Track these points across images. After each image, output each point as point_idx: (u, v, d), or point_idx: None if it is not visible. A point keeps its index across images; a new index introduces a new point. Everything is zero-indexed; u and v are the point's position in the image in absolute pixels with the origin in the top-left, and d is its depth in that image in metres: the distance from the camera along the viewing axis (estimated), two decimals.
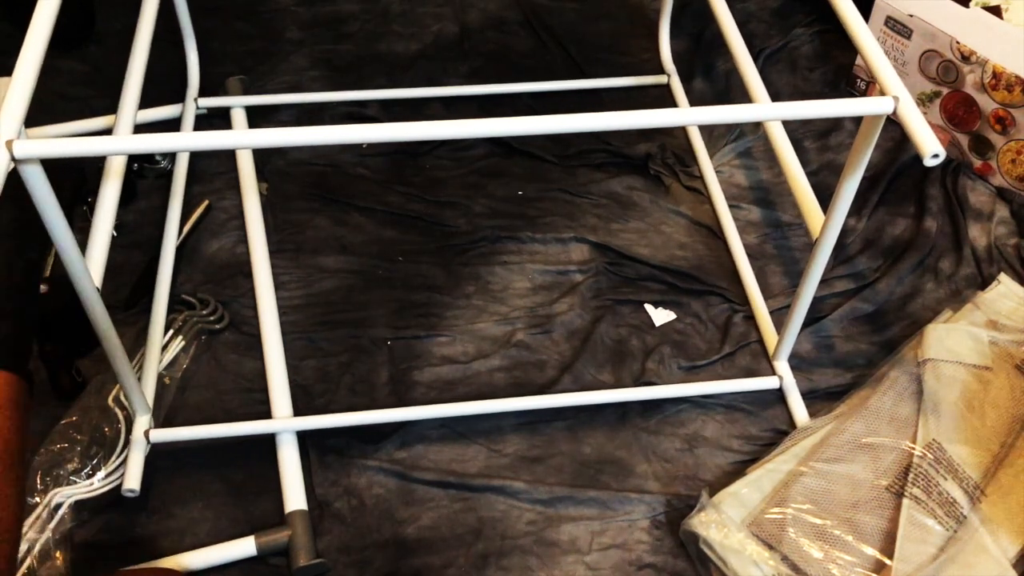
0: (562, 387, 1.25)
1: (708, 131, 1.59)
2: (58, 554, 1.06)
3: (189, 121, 1.54)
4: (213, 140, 0.85)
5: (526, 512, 1.14)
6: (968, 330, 1.26)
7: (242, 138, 0.87)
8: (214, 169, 1.49)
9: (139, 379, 1.16)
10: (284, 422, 1.18)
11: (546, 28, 1.78)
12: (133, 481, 1.10)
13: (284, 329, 1.30)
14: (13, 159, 0.77)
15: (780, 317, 1.32)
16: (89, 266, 0.93)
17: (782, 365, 1.27)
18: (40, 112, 1.41)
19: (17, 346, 0.78)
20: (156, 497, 1.13)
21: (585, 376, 1.27)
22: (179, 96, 1.58)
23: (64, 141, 0.78)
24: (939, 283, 1.39)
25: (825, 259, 1.08)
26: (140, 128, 1.51)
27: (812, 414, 1.22)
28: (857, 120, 1.58)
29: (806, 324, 1.31)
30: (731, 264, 1.41)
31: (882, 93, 0.91)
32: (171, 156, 1.48)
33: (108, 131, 1.52)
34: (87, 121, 1.53)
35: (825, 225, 1.03)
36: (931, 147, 0.85)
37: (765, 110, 0.97)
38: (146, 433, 1.13)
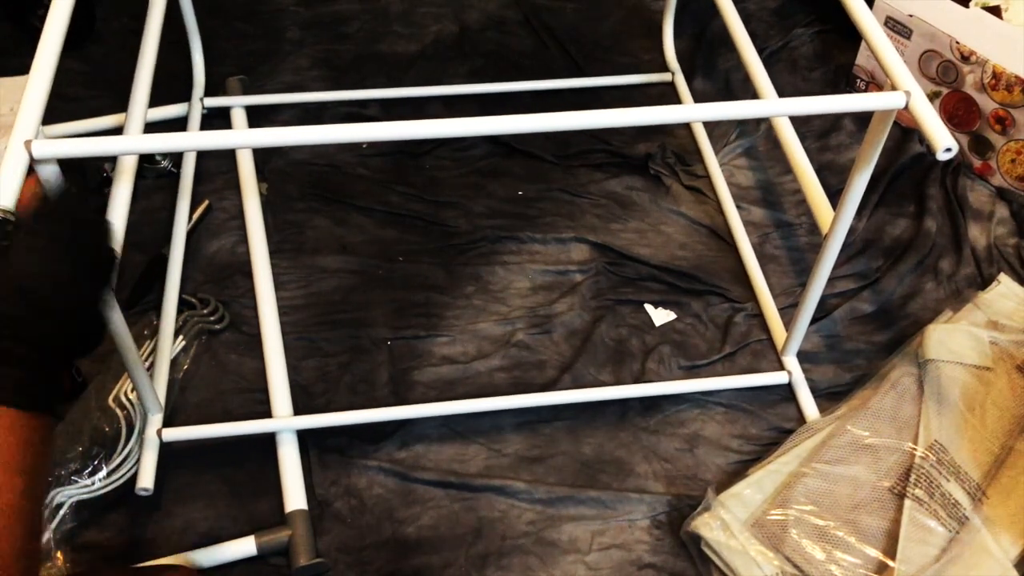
0: (562, 387, 1.25)
1: (709, 131, 1.59)
2: (59, 554, 1.06)
3: (195, 121, 1.54)
4: (228, 140, 0.86)
5: (526, 512, 1.14)
6: (969, 331, 1.26)
7: (255, 137, 0.87)
8: (214, 169, 1.49)
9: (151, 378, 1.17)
10: (291, 420, 1.18)
11: (546, 28, 1.78)
12: (147, 480, 1.10)
13: (284, 329, 1.30)
14: (32, 159, 0.78)
15: (783, 316, 1.32)
16: None
17: (791, 360, 1.27)
18: None
19: (32, 379, 0.69)
20: (157, 497, 1.12)
21: (585, 376, 1.27)
22: (179, 95, 1.57)
23: (80, 141, 0.80)
24: (939, 283, 1.39)
25: (835, 254, 1.08)
26: (145, 128, 1.51)
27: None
28: (857, 122, 1.60)
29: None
30: (732, 263, 1.41)
31: (893, 88, 0.91)
32: (172, 156, 1.49)
33: (116, 130, 1.52)
34: (94, 120, 1.53)
35: (835, 220, 1.04)
36: (944, 141, 0.86)
37: (776, 106, 0.97)
38: (158, 432, 1.14)
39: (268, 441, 1.17)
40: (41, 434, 0.70)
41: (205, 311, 1.30)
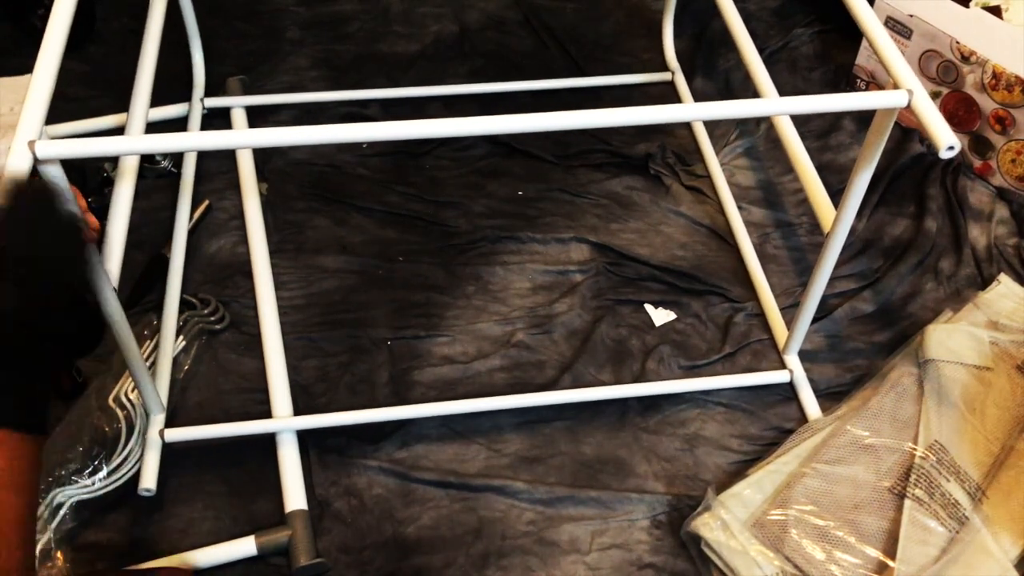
0: (562, 387, 1.25)
1: (709, 131, 1.59)
2: (59, 554, 1.06)
3: (196, 121, 1.54)
4: (228, 140, 0.85)
5: (526, 512, 1.14)
6: (969, 331, 1.26)
7: (255, 137, 0.87)
8: (214, 169, 1.49)
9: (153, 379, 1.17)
10: (292, 420, 1.18)
11: (546, 28, 1.78)
12: (150, 481, 1.10)
13: (284, 329, 1.30)
14: (35, 159, 0.79)
15: (783, 316, 1.32)
16: (107, 266, 0.93)
17: (793, 359, 1.28)
18: None
19: (29, 399, 0.72)
20: (157, 497, 1.12)
21: (585, 376, 1.27)
22: (177, 95, 1.57)
23: (84, 141, 0.81)
24: (939, 283, 1.39)
25: (837, 253, 1.09)
26: (146, 128, 1.52)
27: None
28: (857, 122, 1.60)
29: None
30: (732, 263, 1.41)
31: (895, 86, 0.91)
32: (172, 156, 1.49)
33: (117, 130, 1.51)
34: (95, 120, 1.53)
35: (837, 219, 1.04)
36: (947, 139, 0.86)
37: (778, 104, 0.97)
38: (161, 432, 1.14)
39: (268, 441, 1.17)
40: (37, 451, 0.73)
41: (205, 311, 1.30)
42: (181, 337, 1.26)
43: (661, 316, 1.34)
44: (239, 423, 1.17)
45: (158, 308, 1.29)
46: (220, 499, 1.14)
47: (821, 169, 1.53)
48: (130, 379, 1.18)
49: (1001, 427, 1.17)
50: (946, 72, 1.50)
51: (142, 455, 1.13)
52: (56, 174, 0.82)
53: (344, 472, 1.16)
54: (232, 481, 1.15)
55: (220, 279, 1.35)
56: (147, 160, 1.46)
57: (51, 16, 0.90)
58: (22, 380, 0.72)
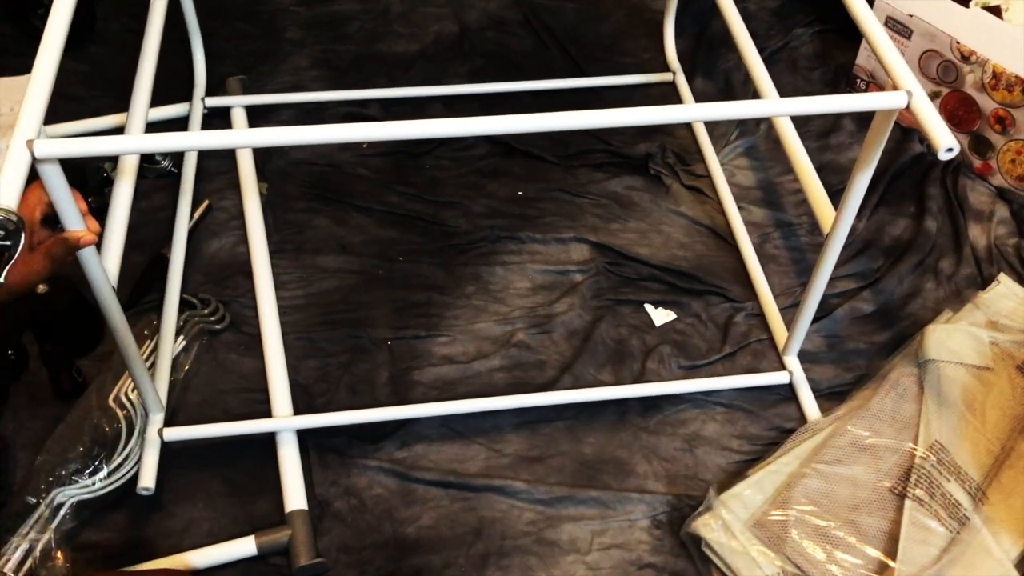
0: (562, 387, 1.25)
1: (709, 131, 1.59)
2: (59, 554, 1.06)
3: (197, 120, 1.54)
4: (228, 139, 0.85)
5: (526, 512, 1.14)
6: (969, 331, 1.26)
7: (255, 137, 0.87)
8: (214, 169, 1.49)
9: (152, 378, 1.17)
10: (291, 420, 1.18)
11: (546, 28, 1.78)
12: (148, 480, 1.11)
13: (284, 329, 1.30)
14: (34, 158, 0.79)
15: (783, 316, 1.32)
16: (106, 266, 0.93)
17: (792, 360, 1.28)
18: None
19: None
20: (157, 497, 1.12)
21: (585, 376, 1.27)
22: (177, 95, 1.58)
23: (82, 141, 0.81)
24: (939, 283, 1.39)
25: (837, 254, 1.09)
26: (146, 128, 1.52)
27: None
28: (857, 122, 1.60)
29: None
30: (732, 263, 1.41)
31: (894, 87, 0.91)
32: (172, 156, 1.49)
33: (117, 130, 1.52)
34: (95, 120, 1.53)
35: (837, 219, 1.04)
36: (946, 141, 0.86)
37: (778, 105, 0.97)
38: (159, 432, 1.14)
39: (268, 441, 1.17)
40: None
41: (205, 311, 1.30)
42: (181, 337, 1.26)
43: (661, 316, 1.34)
44: (239, 422, 1.17)
45: (158, 308, 1.29)
46: (220, 499, 1.14)
47: (821, 169, 1.54)
48: (130, 379, 1.18)
49: (1001, 427, 1.17)
50: (946, 72, 1.50)
51: (142, 455, 1.13)
52: (55, 173, 0.82)
53: (344, 472, 1.16)
54: (232, 481, 1.15)
55: (220, 279, 1.35)
56: (147, 160, 1.46)
57: (50, 16, 0.90)
58: None
